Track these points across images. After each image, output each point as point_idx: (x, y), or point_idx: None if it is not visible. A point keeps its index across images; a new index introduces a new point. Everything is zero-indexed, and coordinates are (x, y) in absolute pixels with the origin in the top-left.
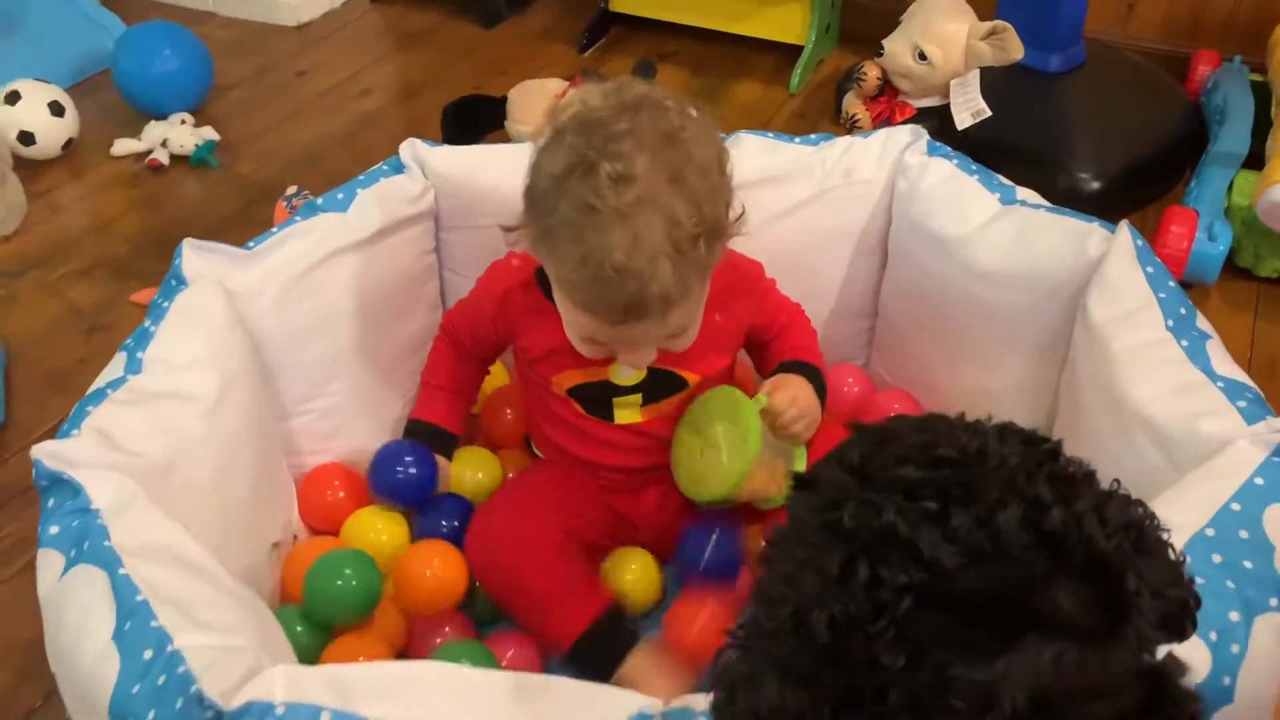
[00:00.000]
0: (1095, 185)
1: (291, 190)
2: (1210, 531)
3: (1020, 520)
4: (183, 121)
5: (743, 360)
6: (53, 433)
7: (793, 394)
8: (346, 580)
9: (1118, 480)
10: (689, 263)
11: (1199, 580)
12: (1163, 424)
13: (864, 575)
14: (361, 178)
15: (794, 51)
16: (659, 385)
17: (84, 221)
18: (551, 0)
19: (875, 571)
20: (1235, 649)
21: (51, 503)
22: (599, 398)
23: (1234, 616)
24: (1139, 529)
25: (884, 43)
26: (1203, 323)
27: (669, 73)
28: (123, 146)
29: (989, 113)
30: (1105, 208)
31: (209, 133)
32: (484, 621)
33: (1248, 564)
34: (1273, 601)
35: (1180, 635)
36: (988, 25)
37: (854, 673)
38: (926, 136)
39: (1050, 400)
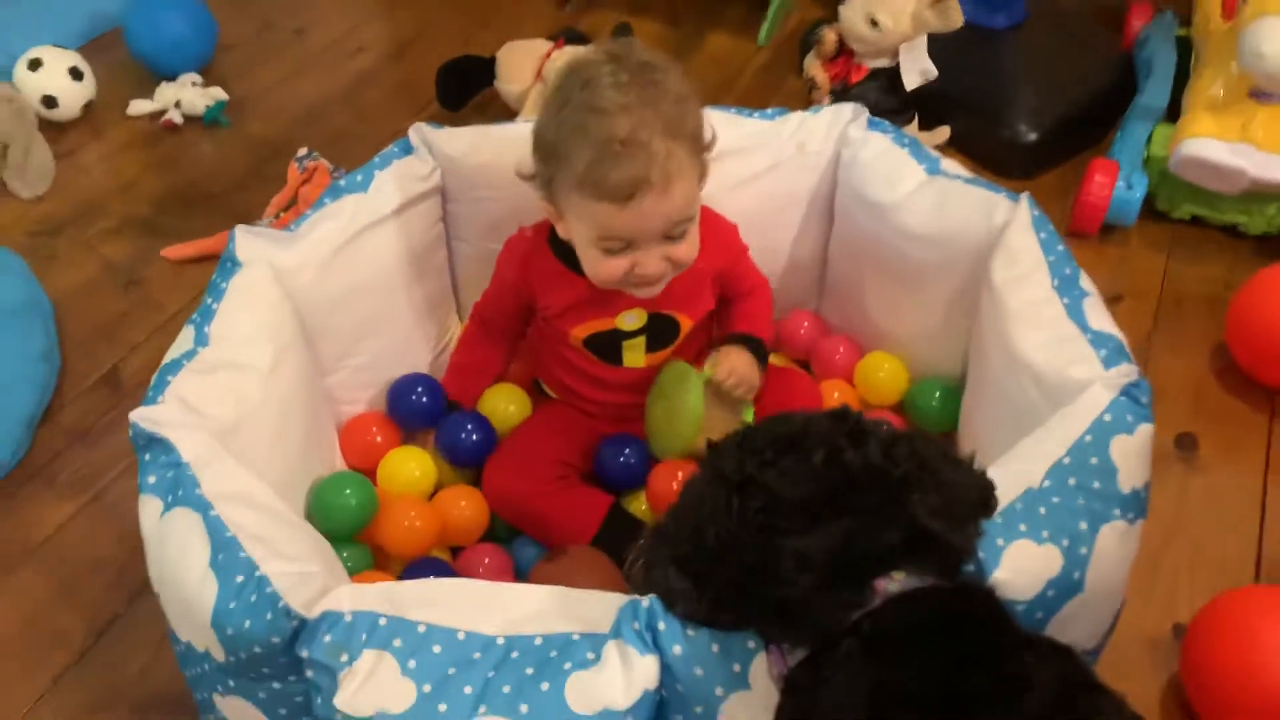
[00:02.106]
0: (1032, 136)
1: (303, 152)
2: (1067, 460)
3: (824, 458)
4: (193, 83)
5: None
6: (104, 379)
7: (731, 365)
8: (346, 498)
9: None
10: (682, 145)
11: (1054, 499)
12: (1042, 369)
13: (736, 505)
14: (377, 160)
15: (762, 4)
16: (659, 329)
17: (108, 181)
18: None
19: (743, 503)
20: (1084, 550)
21: (148, 457)
22: (610, 343)
23: (1083, 526)
24: (920, 457)
25: (840, 8)
26: (1085, 282)
27: (645, 26)
28: (138, 107)
29: (935, 74)
30: (1042, 157)
31: (218, 92)
32: (504, 538)
33: (1096, 484)
34: (1115, 513)
35: (987, 511)
36: None
37: (733, 569)
38: (867, 113)
39: (964, 342)
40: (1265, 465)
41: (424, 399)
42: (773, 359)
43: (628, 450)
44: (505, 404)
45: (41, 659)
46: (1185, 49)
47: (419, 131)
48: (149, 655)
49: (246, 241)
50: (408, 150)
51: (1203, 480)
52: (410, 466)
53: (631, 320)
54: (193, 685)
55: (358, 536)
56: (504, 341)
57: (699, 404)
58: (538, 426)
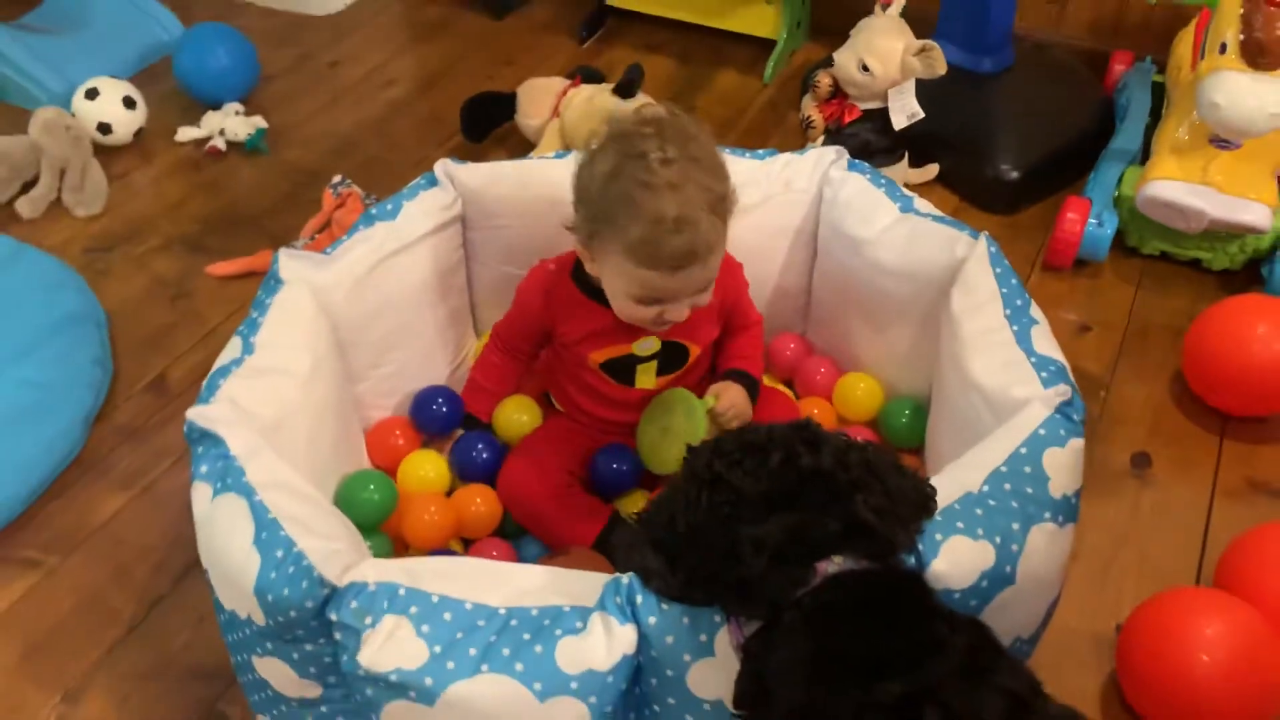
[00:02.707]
0: (1015, 175)
1: (337, 179)
2: (1004, 468)
3: (781, 459)
4: (236, 112)
5: None
6: (153, 384)
7: (732, 398)
8: (370, 493)
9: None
10: (718, 218)
11: (991, 502)
12: (989, 389)
13: (705, 499)
14: (405, 191)
15: (768, 45)
16: (670, 355)
17: (157, 202)
18: None
19: (710, 497)
20: (1015, 547)
21: (201, 450)
22: (625, 367)
23: (1015, 526)
24: (870, 464)
25: (834, 55)
26: (1035, 312)
27: (657, 63)
28: (186, 134)
29: (922, 115)
30: (1023, 194)
31: (259, 121)
32: (512, 535)
33: (1029, 489)
34: (1046, 515)
35: (927, 513)
36: (920, 44)
37: (700, 553)
38: (848, 156)
39: (929, 363)
40: (1213, 482)
41: (444, 409)
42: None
43: (620, 460)
44: (519, 414)
45: (95, 633)
46: (1160, 95)
47: (443, 166)
48: (190, 631)
49: (288, 263)
50: (433, 183)
51: (1154, 495)
52: (426, 469)
53: (647, 347)
54: (233, 649)
55: (382, 528)
56: (519, 363)
57: (704, 430)
58: (548, 436)
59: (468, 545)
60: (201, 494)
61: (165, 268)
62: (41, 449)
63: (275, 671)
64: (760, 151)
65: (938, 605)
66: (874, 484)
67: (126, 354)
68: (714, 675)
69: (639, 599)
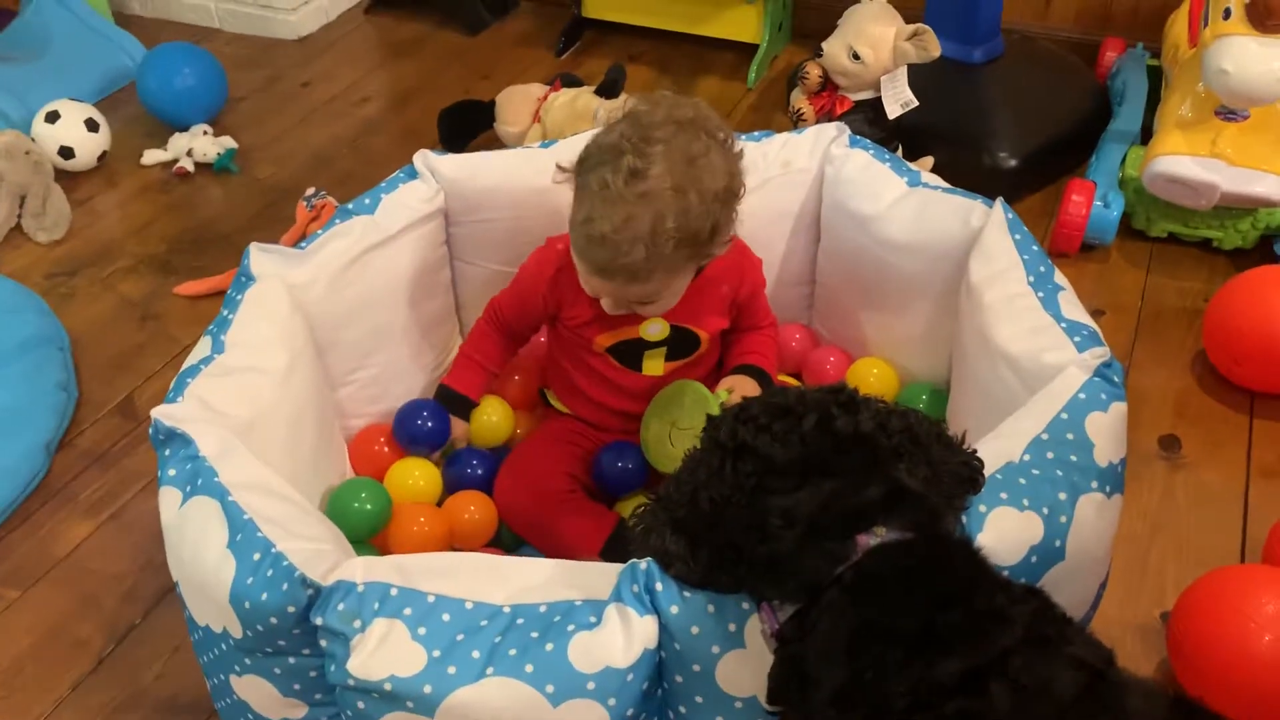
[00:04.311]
0: (1013, 163)
1: (310, 191)
2: (1045, 435)
3: (815, 424)
4: (205, 132)
5: None
6: (120, 407)
7: (746, 392)
8: (362, 502)
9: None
10: (658, 254)
11: (1034, 471)
12: (1018, 357)
13: (729, 469)
14: (384, 184)
15: (750, 49)
16: (678, 340)
17: (123, 225)
18: (529, 7)
19: (735, 467)
20: (1063, 519)
21: (168, 452)
22: (632, 351)
23: (1062, 496)
24: (912, 430)
25: (823, 45)
26: (1059, 278)
27: (638, 73)
28: (151, 157)
29: (916, 103)
30: (1021, 182)
31: (228, 141)
32: (509, 546)
33: (1073, 457)
34: (1093, 484)
35: (974, 488)
36: (911, 28)
37: (726, 531)
38: (849, 131)
39: (948, 343)
40: (1247, 461)
41: (429, 424)
42: None
43: (626, 457)
44: (489, 415)
45: (63, 666)
46: (1155, 78)
47: (423, 158)
48: (164, 661)
49: (260, 258)
50: (413, 175)
51: (1186, 478)
52: (415, 476)
53: (655, 330)
54: (209, 671)
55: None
56: (512, 342)
57: None
58: (546, 439)
59: None
60: (170, 500)
61: (132, 289)
62: (1, 476)
63: (256, 691)
64: (756, 133)
65: (993, 573)
66: (917, 454)
67: (92, 377)
68: (746, 668)
69: (659, 586)
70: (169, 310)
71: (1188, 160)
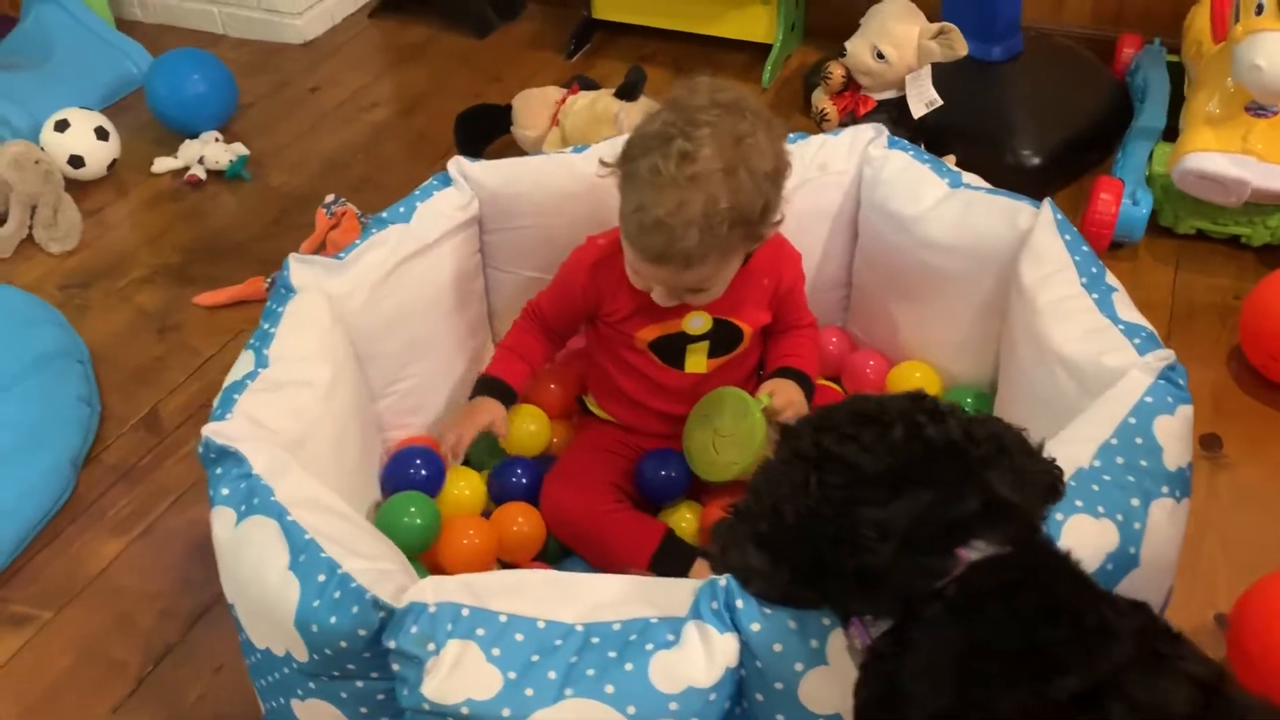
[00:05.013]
0: (1036, 161)
1: (330, 198)
2: (1114, 441)
3: (903, 432)
4: (216, 139)
5: None
6: (144, 420)
7: (789, 396)
8: (411, 516)
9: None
10: (713, 236)
11: (1105, 477)
12: (1075, 360)
13: (814, 482)
14: (418, 192)
15: (764, 49)
16: (721, 334)
17: (136, 235)
18: (537, 9)
19: (821, 479)
20: (1137, 526)
21: (219, 471)
22: (674, 346)
23: (1135, 502)
24: (999, 438)
25: (846, 44)
26: (1111, 279)
27: (650, 74)
28: (162, 165)
29: (940, 102)
30: (1045, 180)
31: (239, 148)
32: (555, 558)
33: (1144, 462)
34: (1164, 489)
35: (1056, 496)
36: (936, 26)
37: (812, 545)
38: (887, 133)
39: (994, 348)
40: None
41: (422, 472)
42: None
43: (669, 465)
44: (528, 424)
45: (101, 689)
46: (1176, 74)
47: (457, 164)
48: (205, 683)
49: (300, 269)
50: (447, 182)
51: (1230, 476)
52: (461, 487)
53: (698, 324)
54: (265, 695)
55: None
56: (550, 342)
57: (761, 431)
58: (589, 447)
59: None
60: (223, 520)
61: (148, 300)
62: (26, 493)
63: (320, 716)
64: (791, 135)
65: (1097, 587)
66: (1004, 463)
67: (114, 391)
68: (829, 686)
69: (739, 603)
70: (187, 321)
71: (1219, 156)
